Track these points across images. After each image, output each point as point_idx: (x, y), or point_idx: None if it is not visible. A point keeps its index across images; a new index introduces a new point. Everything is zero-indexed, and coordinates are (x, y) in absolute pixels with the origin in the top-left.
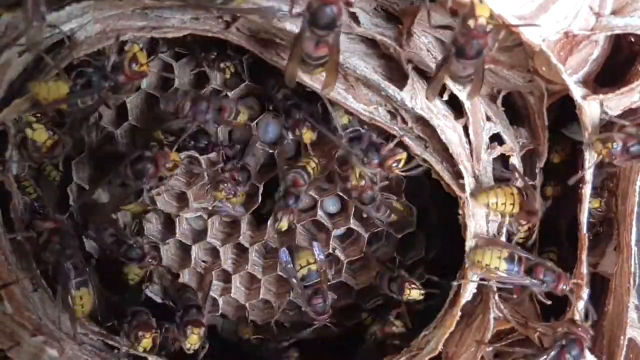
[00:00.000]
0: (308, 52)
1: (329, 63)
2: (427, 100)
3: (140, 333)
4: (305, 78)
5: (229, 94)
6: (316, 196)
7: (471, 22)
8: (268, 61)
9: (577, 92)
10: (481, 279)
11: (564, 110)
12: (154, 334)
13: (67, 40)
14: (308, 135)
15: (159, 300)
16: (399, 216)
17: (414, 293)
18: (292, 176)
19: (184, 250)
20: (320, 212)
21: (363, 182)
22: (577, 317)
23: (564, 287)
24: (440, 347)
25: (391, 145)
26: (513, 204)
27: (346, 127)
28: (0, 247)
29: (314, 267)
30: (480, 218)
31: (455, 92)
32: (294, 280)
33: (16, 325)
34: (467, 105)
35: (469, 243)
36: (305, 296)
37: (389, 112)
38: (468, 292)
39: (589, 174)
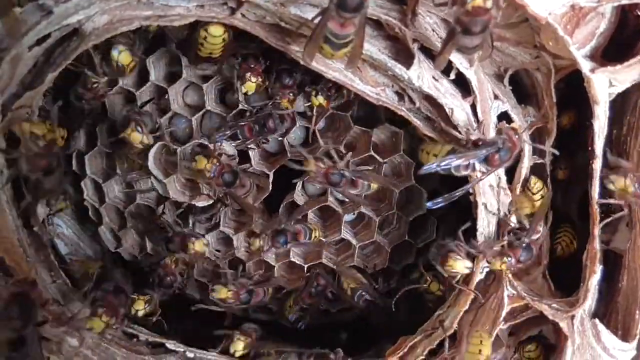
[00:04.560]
0: (335, 31)
1: (354, 42)
2: (437, 68)
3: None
4: (320, 66)
5: None
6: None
7: (468, 6)
8: (274, 46)
9: (585, 65)
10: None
11: (571, 89)
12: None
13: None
14: (251, 86)
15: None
16: (381, 182)
17: (458, 265)
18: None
19: None
20: (330, 198)
21: (321, 165)
22: (590, 292)
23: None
24: (455, 326)
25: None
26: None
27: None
28: (18, 239)
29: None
30: (490, 196)
31: (462, 70)
32: None
33: None
34: (474, 83)
35: (481, 222)
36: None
37: (396, 92)
38: (481, 270)
39: (598, 148)
